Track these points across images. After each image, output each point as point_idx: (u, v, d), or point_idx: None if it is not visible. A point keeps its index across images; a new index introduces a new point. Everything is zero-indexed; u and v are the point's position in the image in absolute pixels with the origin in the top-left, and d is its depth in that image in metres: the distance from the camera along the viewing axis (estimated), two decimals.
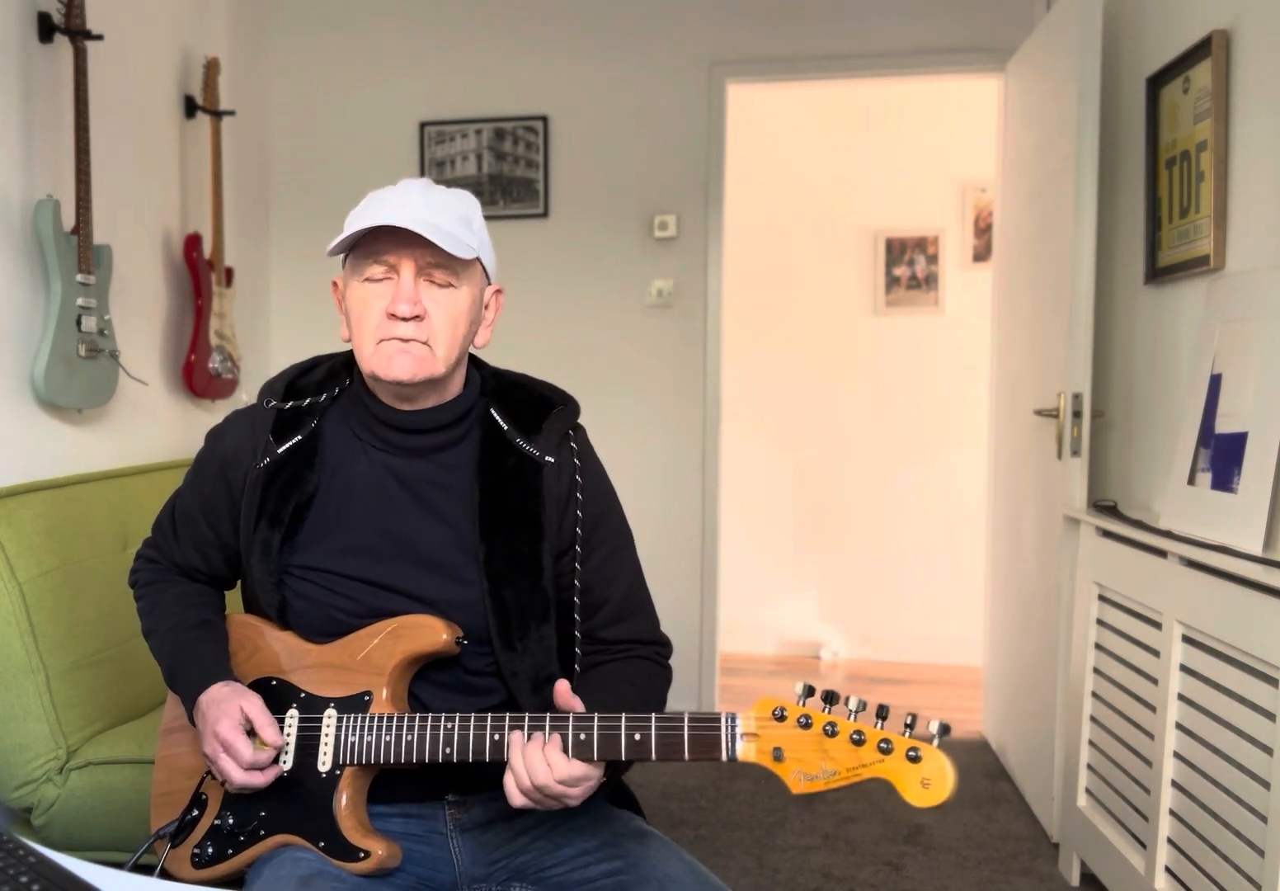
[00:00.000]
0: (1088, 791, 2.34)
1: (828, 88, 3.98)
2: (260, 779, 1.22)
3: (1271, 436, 1.77)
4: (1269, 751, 1.57)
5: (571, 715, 1.15)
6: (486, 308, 1.35)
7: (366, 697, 1.25)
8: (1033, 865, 2.47)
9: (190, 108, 3.08)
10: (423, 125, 3.57)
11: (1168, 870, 1.91)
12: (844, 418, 4.38)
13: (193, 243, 3.01)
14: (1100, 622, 2.28)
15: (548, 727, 1.15)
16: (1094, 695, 2.30)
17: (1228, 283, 2.02)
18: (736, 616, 4.24)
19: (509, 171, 3.54)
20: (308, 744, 1.25)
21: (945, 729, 1.03)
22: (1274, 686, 1.57)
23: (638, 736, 1.12)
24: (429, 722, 1.20)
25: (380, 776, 1.27)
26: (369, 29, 3.60)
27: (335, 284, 1.36)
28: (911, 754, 1.04)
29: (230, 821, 1.27)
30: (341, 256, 1.32)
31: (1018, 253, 3.07)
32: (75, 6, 2.39)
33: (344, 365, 1.39)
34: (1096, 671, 2.29)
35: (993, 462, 3.37)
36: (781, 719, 1.08)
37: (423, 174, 3.57)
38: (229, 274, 3.17)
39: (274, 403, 1.36)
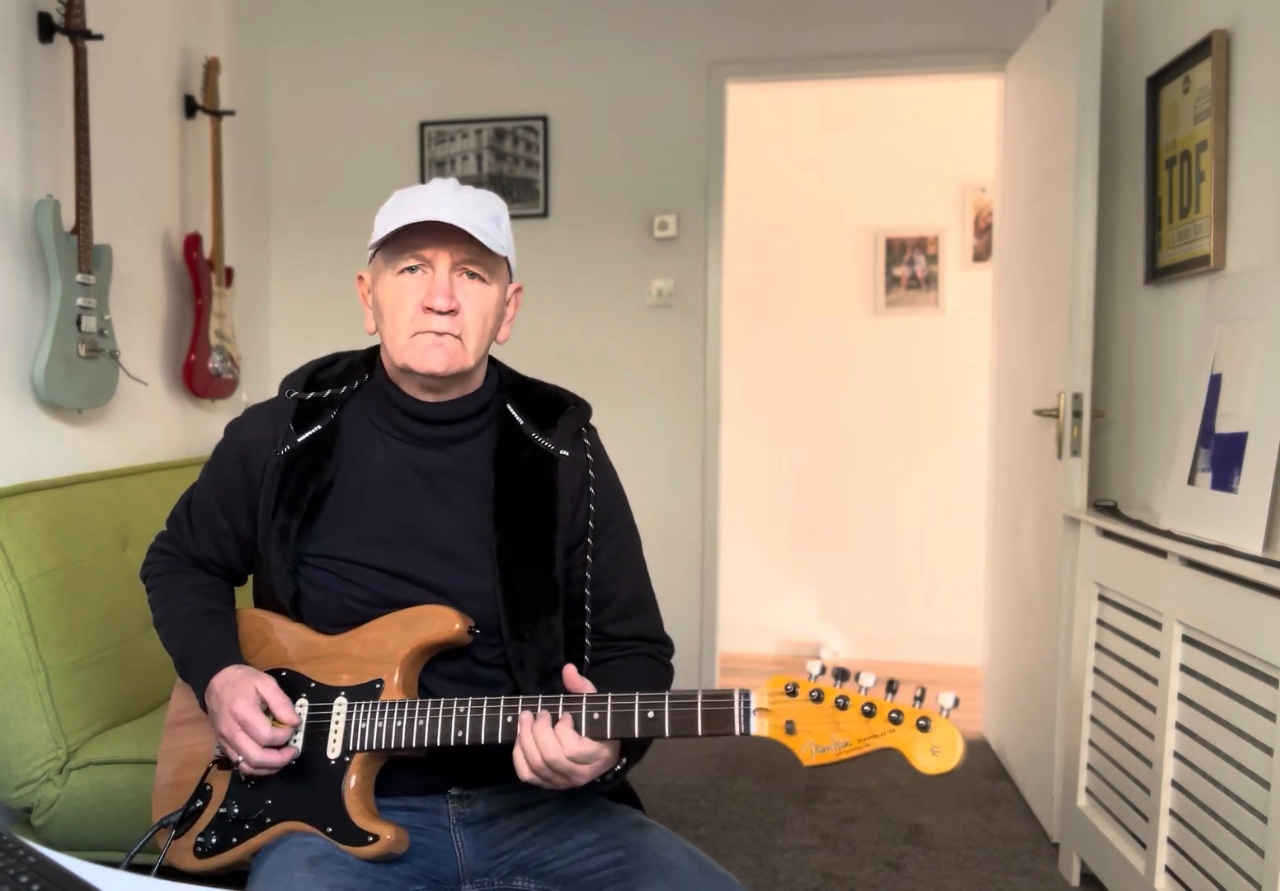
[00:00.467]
0: (1088, 791, 2.34)
1: (828, 88, 3.99)
2: (277, 757, 1.23)
3: (1271, 436, 1.77)
4: (1269, 751, 1.57)
5: (585, 695, 1.18)
6: (508, 304, 1.39)
7: (378, 685, 1.27)
8: (1033, 865, 2.47)
9: (190, 108, 3.08)
10: (423, 125, 3.58)
11: (1168, 870, 1.91)
12: (844, 417, 4.38)
13: (193, 243, 3.01)
14: (1100, 622, 2.28)
15: (561, 708, 1.17)
16: (1094, 695, 2.30)
17: (1228, 283, 2.02)
18: (736, 616, 4.24)
19: (509, 171, 3.54)
20: (317, 731, 1.27)
21: (955, 701, 1.05)
22: (1274, 686, 1.57)
23: (651, 714, 1.14)
24: (440, 706, 1.23)
25: (384, 769, 1.28)
26: (369, 29, 3.60)
27: (361, 278, 1.40)
28: (921, 723, 1.06)
29: (236, 810, 1.28)
30: (370, 252, 1.35)
31: (1018, 253, 3.07)
32: (75, 6, 2.39)
33: (363, 360, 1.43)
34: (1096, 671, 2.29)
35: (993, 462, 3.37)
36: (793, 694, 1.10)
37: (423, 174, 3.58)
38: (229, 274, 3.17)
39: (295, 393, 1.39)
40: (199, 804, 1.31)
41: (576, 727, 1.15)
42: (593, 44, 3.50)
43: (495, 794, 1.34)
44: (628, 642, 1.39)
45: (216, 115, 3.08)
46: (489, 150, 3.55)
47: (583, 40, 3.50)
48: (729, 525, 4.02)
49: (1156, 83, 2.35)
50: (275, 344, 3.69)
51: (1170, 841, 1.91)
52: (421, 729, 1.22)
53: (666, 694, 1.15)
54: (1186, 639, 1.87)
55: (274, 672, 1.31)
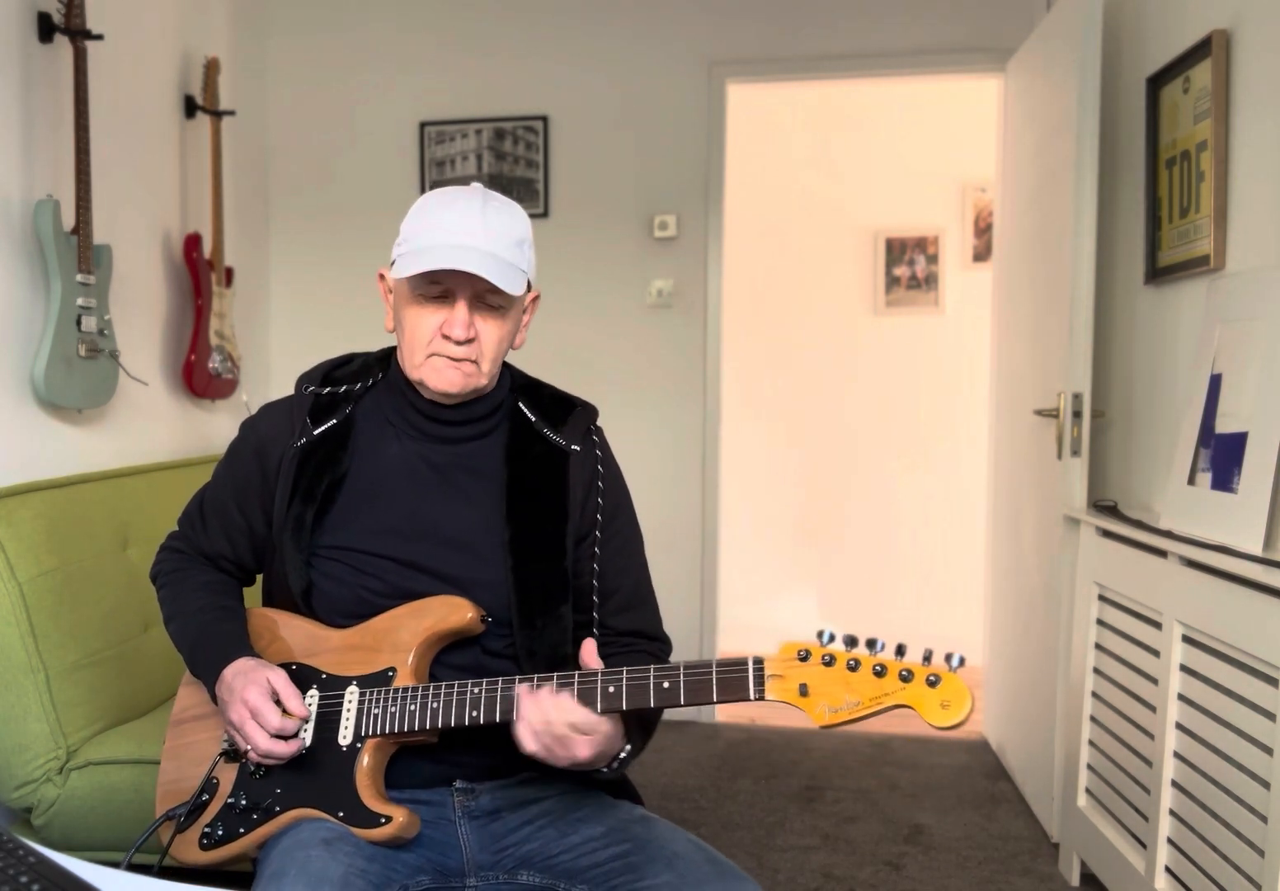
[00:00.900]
0: (1088, 791, 2.34)
1: (828, 87, 3.98)
2: (284, 747, 1.25)
3: (1271, 436, 1.77)
4: (1269, 751, 1.57)
5: (600, 670, 1.20)
6: (525, 312, 1.41)
7: (390, 673, 1.29)
8: (1033, 865, 2.47)
9: (190, 108, 3.08)
10: (423, 125, 3.57)
11: (1168, 870, 1.91)
12: (844, 417, 4.38)
13: (193, 242, 3.01)
14: (1100, 622, 2.28)
15: (576, 686, 1.19)
16: (1094, 695, 2.30)
17: (1228, 283, 2.02)
18: (736, 615, 4.23)
19: (509, 171, 3.54)
20: (328, 720, 1.28)
21: (961, 660, 1.08)
22: (1274, 686, 1.57)
23: (666, 684, 1.16)
24: (454, 688, 1.24)
25: (390, 762, 1.30)
26: (369, 29, 3.60)
27: (382, 276, 1.42)
28: (931, 679, 1.09)
29: (244, 800, 1.29)
30: (392, 257, 1.35)
31: (1018, 253, 3.07)
32: (75, 6, 2.39)
33: (378, 359, 1.46)
34: (1096, 671, 2.29)
35: (993, 462, 3.37)
36: (805, 659, 1.13)
37: (422, 174, 3.58)
38: (229, 274, 3.17)
39: (312, 388, 1.42)
40: (205, 798, 1.31)
41: (589, 703, 1.17)
42: (593, 44, 3.50)
43: (499, 788, 1.35)
44: (628, 639, 1.41)
45: (216, 115, 3.08)
46: (489, 150, 3.55)
47: (583, 40, 3.50)
48: (729, 524, 4.02)
49: (1156, 83, 2.35)
50: (275, 344, 3.69)
51: (1170, 841, 1.91)
52: (435, 711, 1.24)
53: (681, 663, 1.17)
54: (1186, 639, 1.87)
55: (284, 666, 1.33)
